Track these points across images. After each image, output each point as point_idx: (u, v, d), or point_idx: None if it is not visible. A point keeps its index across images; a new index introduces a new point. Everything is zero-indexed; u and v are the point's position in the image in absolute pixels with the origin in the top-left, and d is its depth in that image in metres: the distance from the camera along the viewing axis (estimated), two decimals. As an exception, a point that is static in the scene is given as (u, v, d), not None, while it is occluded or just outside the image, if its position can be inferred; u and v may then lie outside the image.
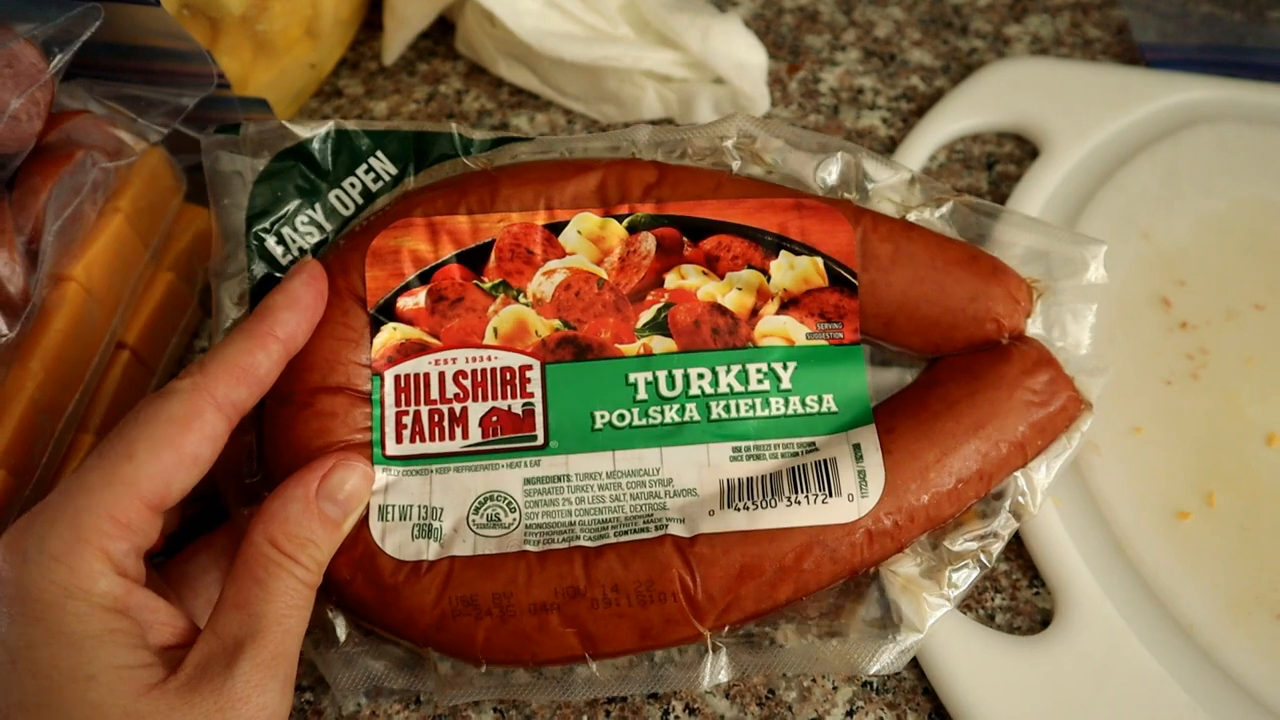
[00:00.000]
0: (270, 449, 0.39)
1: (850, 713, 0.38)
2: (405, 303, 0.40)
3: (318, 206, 0.41)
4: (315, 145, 0.41)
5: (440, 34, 0.59)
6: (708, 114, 0.54)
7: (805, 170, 0.42)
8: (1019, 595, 0.41)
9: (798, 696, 0.39)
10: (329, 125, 0.41)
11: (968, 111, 0.54)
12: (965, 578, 0.37)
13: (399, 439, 0.39)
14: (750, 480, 0.37)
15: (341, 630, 0.37)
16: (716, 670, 0.36)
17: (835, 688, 0.39)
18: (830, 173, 0.42)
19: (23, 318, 0.39)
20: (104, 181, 0.43)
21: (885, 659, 0.36)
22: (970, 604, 0.40)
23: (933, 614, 0.36)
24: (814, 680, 0.39)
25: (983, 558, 0.37)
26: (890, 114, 0.55)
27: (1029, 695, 0.37)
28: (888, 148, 0.54)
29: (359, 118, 0.56)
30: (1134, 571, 0.40)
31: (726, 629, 0.36)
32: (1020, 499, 0.38)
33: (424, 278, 0.40)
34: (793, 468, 0.37)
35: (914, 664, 0.39)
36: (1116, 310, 0.46)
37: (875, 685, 0.39)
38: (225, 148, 0.41)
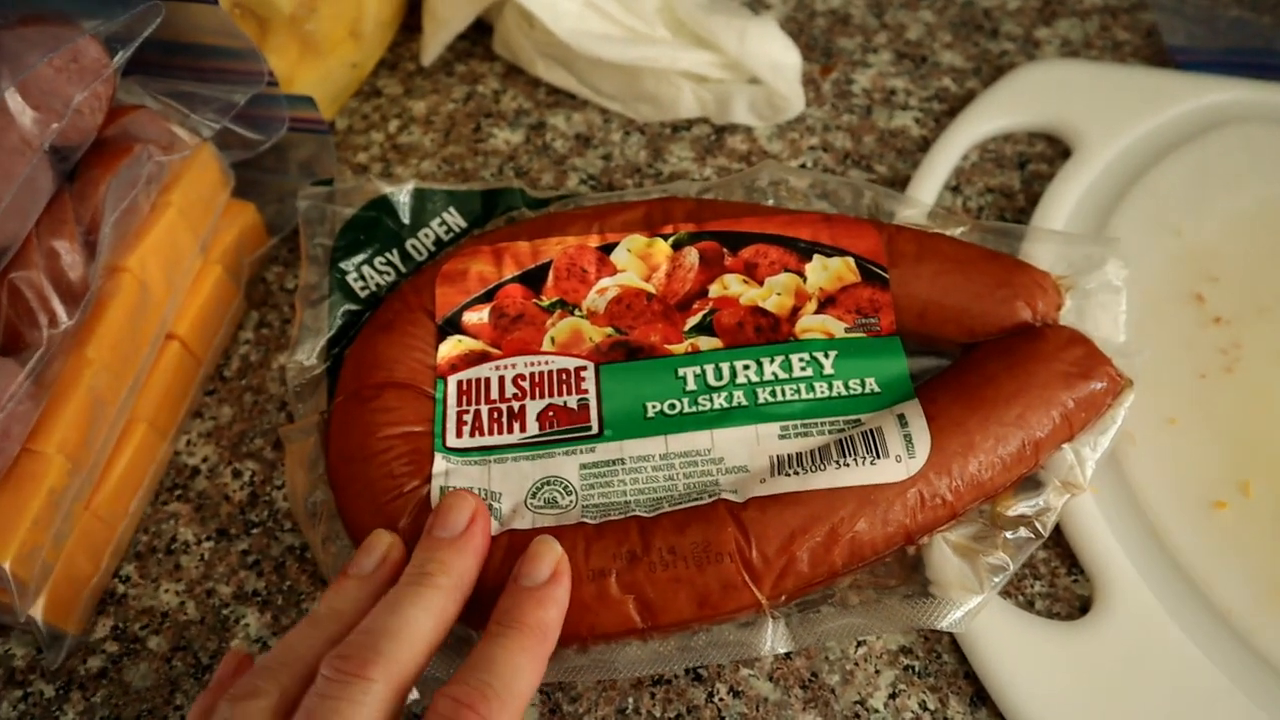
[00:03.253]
0: (335, 438, 0.40)
1: (893, 695, 0.39)
2: (470, 317, 0.43)
3: (395, 251, 0.47)
4: (397, 199, 0.48)
5: (477, 35, 0.60)
6: (744, 114, 0.55)
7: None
8: (1058, 583, 0.41)
9: (840, 680, 0.39)
10: (410, 185, 0.48)
11: (1000, 112, 0.54)
12: (1021, 545, 0.38)
13: (459, 434, 0.40)
14: (800, 454, 0.38)
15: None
16: (777, 638, 0.36)
17: (878, 671, 0.39)
18: (858, 209, 0.48)
19: (82, 306, 0.40)
20: (158, 175, 0.44)
21: (951, 616, 0.37)
22: (1010, 591, 0.41)
23: (992, 576, 0.37)
24: (856, 664, 0.39)
25: (1038, 525, 0.38)
26: (923, 114, 0.56)
27: (1069, 679, 0.38)
28: (921, 147, 0.54)
29: (398, 117, 0.57)
30: (1171, 560, 0.40)
31: (784, 598, 0.36)
32: (1071, 473, 0.39)
33: (488, 296, 0.44)
34: (840, 440, 0.38)
35: (955, 648, 0.40)
36: (1150, 306, 0.47)
37: (917, 669, 0.39)
38: (319, 198, 0.48)
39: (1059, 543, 0.42)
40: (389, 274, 0.46)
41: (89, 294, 0.40)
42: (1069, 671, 0.38)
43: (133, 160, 0.42)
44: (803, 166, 0.54)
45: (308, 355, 0.44)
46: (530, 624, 0.33)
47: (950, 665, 0.39)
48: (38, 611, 0.39)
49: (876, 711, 0.38)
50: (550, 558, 0.35)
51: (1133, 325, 0.45)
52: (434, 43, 0.58)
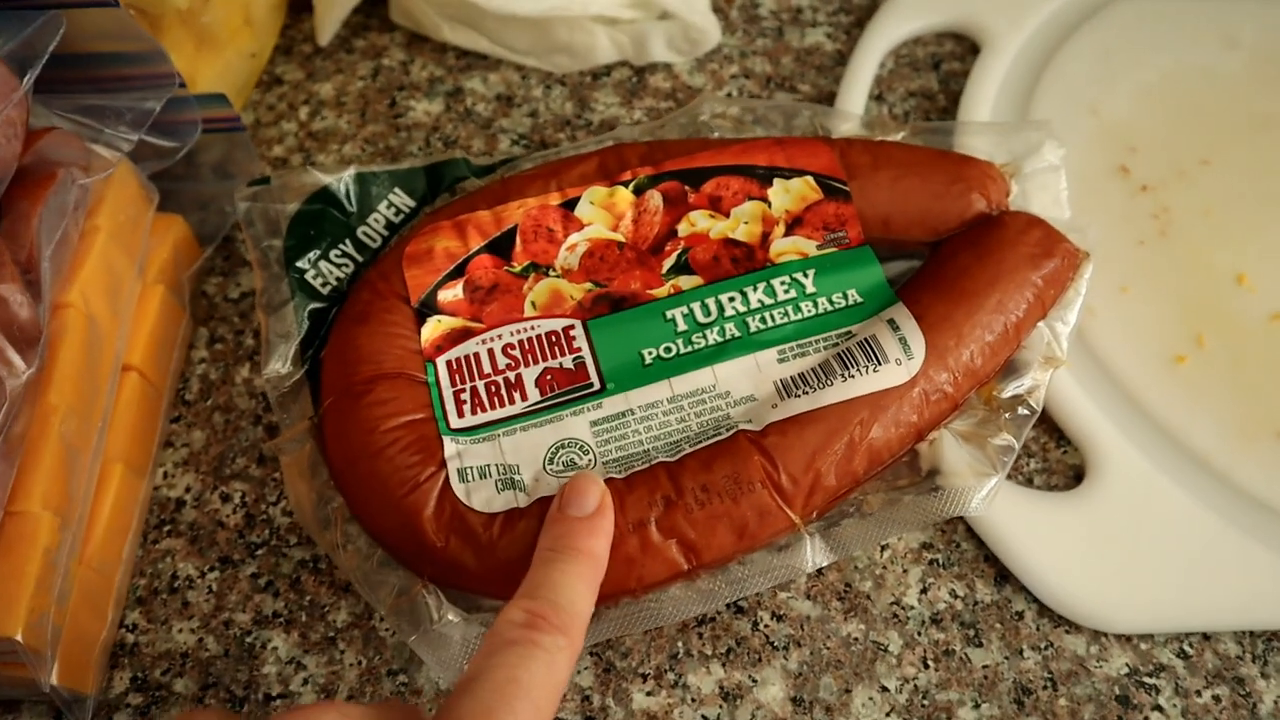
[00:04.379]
0: (334, 441, 0.39)
1: (924, 590, 0.41)
2: (445, 295, 0.42)
3: (348, 241, 0.45)
4: (339, 188, 0.46)
5: (371, 7, 0.57)
6: (662, 51, 0.54)
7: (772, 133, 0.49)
8: (1050, 457, 0.44)
9: (873, 585, 0.41)
10: (350, 170, 0.46)
11: (904, 16, 0.56)
12: (1020, 423, 0.40)
13: (460, 414, 0.39)
14: (803, 374, 0.39)
15: (434, 609, 0.37)
16: (816, 553, 0.38)
17: (905, 570, 0.41)
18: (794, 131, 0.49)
19: (39, 351, 0.38)
20: (83, 199, 0.41)
21: (975, 499, 0.38)
22: (1009, 472, 0.43)
23: (1002, 456, 0.39)
24: (885, 568, 0.41)
25: (1031, 402, 0.40)
26: (833, 29, 0.57)
27: (1079, 543, 0.41)
28: (838, 61, 0.55)
29: (306, 103, 0.55)
30: (1147, 416, 0.43)
31: (815, 514, 0.38)
32: (1049, 348, 0.41)
33: (458, 271, 0.43)
34: (839, 353, 0.39)
35: (972, 535, 0.42)
36: (1082, 184, 0.49)
37: (941, 561, 0.41)
38: (257, 198, 0.45)
39: (1044, 419, 0.44)
40: (347, 266, 0.44)
41: (43, 337, 0.38)
42: (1078, 536, 0.41)
43: (58, 187, 0.39)
44: (729, 96, 0.54)
45: (283, 363, 0.42)
46: (585, 550, 0.34)
47: (970, 552, 0.42)
48: (53, 678, 0.37)
49: (913, 607, 0.40)
50: (596, 490, 0.36)
51: (1070, 204, 0.48)
52: (328, 20, 0.55)
